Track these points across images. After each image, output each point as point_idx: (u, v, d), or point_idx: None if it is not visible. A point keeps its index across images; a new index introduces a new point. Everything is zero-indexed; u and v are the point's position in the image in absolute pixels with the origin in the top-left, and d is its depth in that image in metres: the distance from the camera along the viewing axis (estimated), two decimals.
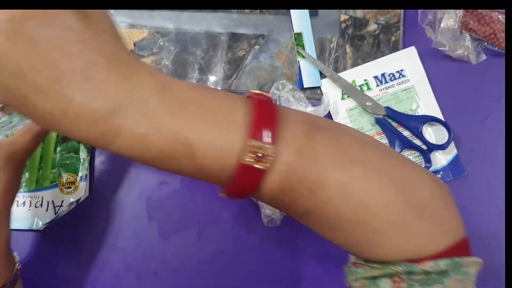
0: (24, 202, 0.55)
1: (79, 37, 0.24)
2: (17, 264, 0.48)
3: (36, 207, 0.55)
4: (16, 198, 0.55)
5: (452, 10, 0.55)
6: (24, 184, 0.55)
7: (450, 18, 0.55)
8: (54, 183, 0.55)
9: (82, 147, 0.56)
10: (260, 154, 0.26)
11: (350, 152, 0.29)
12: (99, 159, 0.58)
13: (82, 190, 0.55)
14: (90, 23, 0.25)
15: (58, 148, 0.56)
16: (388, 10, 0.59)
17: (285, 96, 0.55)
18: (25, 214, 0.55)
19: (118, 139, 0.25)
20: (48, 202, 0.55)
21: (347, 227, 0.29)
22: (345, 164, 0.28)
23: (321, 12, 0.59)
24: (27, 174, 0.55)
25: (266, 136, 0.26)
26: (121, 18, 0.60)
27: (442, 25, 0.56)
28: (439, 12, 0.57)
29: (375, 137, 0.57)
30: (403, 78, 0.57)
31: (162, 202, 0.57)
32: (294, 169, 0.27)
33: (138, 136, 0.25)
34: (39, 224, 0.55)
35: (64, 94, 0.24)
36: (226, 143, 0.26)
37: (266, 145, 0.26)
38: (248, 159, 0.26)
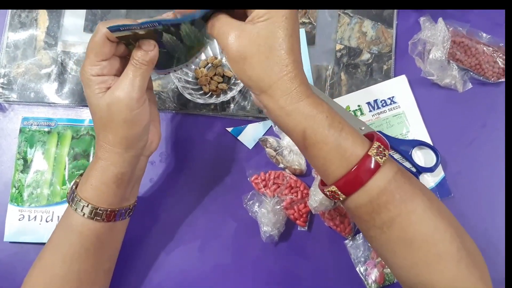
0: (35, 217, 0.58)
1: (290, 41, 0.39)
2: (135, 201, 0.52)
3: (46, 221, 0.58)
4: (28, 213, 0.58)
5: (440, 43, 0.59)
6: (35, 199, 0.58)
7: (438, 50, 0.59)
8: (64, 199, 0.58)
9: None
10: (381, 150, 0.39)
11: (425, 188, 0.42)
12: None
13: None
14: (295, 39, 0.39)
15: (69, 166, 0.59)
16: (381, 40, 0.63)
17: None
18: (36, 228, 0.58)
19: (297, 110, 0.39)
20: (58, 216, 0.58)
21: (418, 244, 0.38)
22: (427, 196, 0.39)
23: (318, 41, 0.63)
24: (38, 190, 0.58)
25: (384, 145, 0.40)
26: None
27: (430, 56, 0.60)
28: (428, 44, 0.61)
29: None
30: (394, 104, 0.61)
31: (165, 218, 0.60)
32: (398, 177, 0.39)
33: (310, 113, 0.39)
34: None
35: (277, 69, 0.38)
36: (361, 141, 0.40)
37: (384, 148, 0.40)
38: (372, 152, 0.39)
